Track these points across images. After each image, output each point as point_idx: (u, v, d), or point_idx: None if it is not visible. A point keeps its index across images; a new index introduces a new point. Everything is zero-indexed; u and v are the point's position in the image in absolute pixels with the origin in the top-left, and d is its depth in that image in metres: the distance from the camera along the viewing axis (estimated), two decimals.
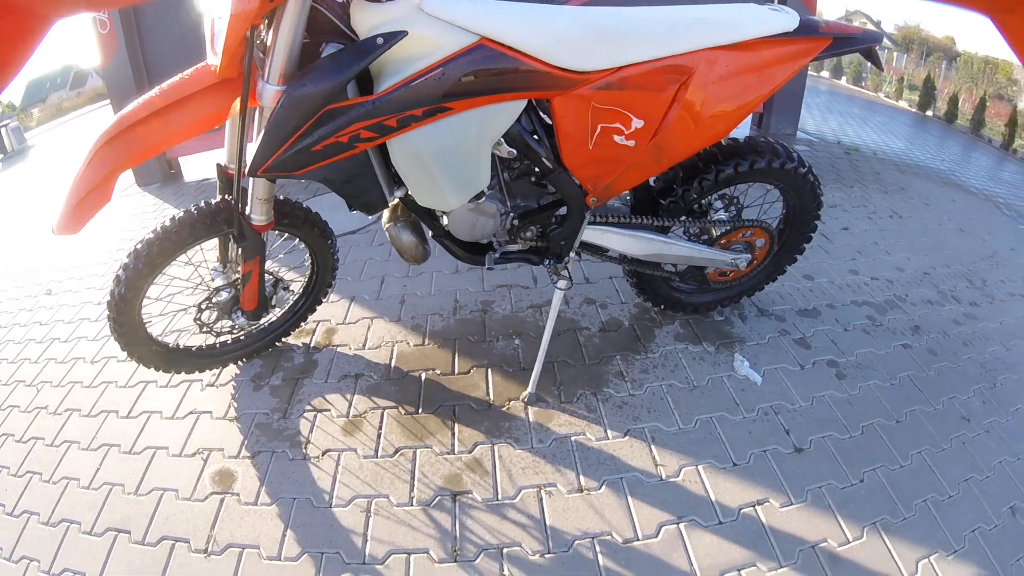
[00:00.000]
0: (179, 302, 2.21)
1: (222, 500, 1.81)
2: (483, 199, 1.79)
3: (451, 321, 2.53)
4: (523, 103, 1.60)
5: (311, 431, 2.02)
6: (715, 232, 2.17)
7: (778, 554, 1.65)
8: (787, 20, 1.73)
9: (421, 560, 1.61)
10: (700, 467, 1.88)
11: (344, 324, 2.55)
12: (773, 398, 2.14)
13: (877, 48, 1.90)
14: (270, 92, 1.48)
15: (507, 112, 1.59)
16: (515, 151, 1.71)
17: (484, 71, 1.48)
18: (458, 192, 1.70)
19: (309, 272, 2.32)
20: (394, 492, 1.79)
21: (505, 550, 1.63)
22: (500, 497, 1.77)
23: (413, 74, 1.44)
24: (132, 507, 1.82)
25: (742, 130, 5.01)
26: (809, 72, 6.95)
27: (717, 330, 2.48)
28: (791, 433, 2.01)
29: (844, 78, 14.33)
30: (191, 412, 2.15)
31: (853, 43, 1.81)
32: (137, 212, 4.40)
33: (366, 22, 1.44)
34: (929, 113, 12.04)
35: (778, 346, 2.41)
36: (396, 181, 1.74)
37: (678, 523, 1.71)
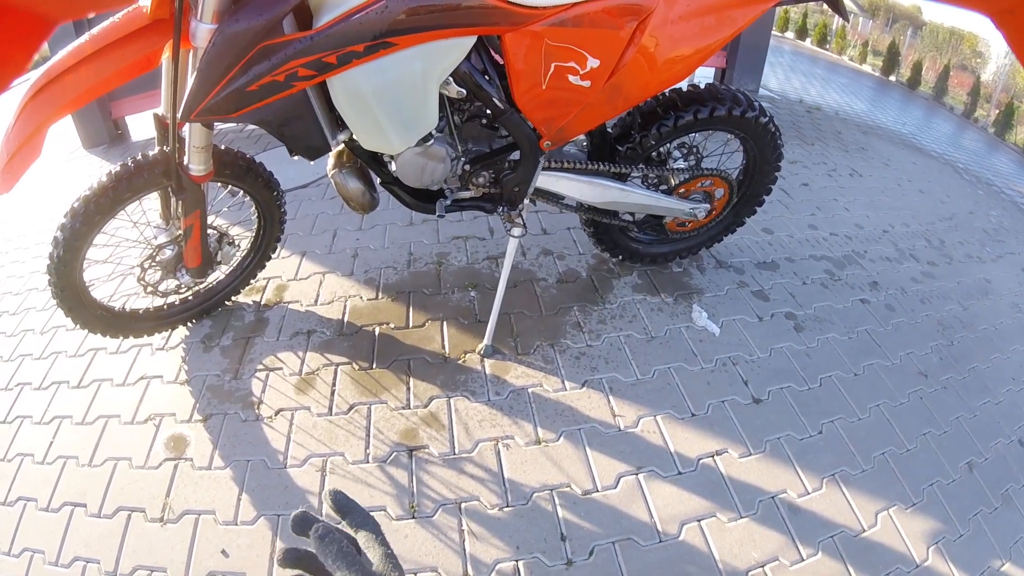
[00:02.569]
0: (124, 263, 2.09)
1: (176, 466, 1.76)
2: (431, 142, 1.71)
3: (405, 274, 2.46)
4: (472, 39, 1.52)
5: (263, 391, 1.96)
6: (673, 181, 2.13)
7: (738, 504, 1.66)
8: None
9: (378, 518, 1.56)
10: (658, 417, 1.88)
11: (295, 280, 2.46)
12: (731, 349, 2.15)
13: None
14: (203, 31, 1.38)
15: (455, 49, 1.51)
16: (464, 91, 1.64)
17: (431, 4, 1.39)
18: (404, 133, 1.62)
19: (256, 226, 2.22)
20: (349, 450, 1.75)
21: (463, 504, 1.62)
22: (457, 451, 1.75)
23: (354, 8, 1.36)
24: (87, 479, 1.76)
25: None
26: (773, 32, 6.88)
27: (675, 281, 2.47)
28: (749, 384, 2.03)
29: (808, 39, 14.31)
30: (142, 377, 2.07)
31: None
32: (83, 176, 4.16)
33: None
34: (892, 78, 12.12)
35: (736, 298, 2.41)
36: (339, 124, 1.65)
37: (637, 474, 1.71)
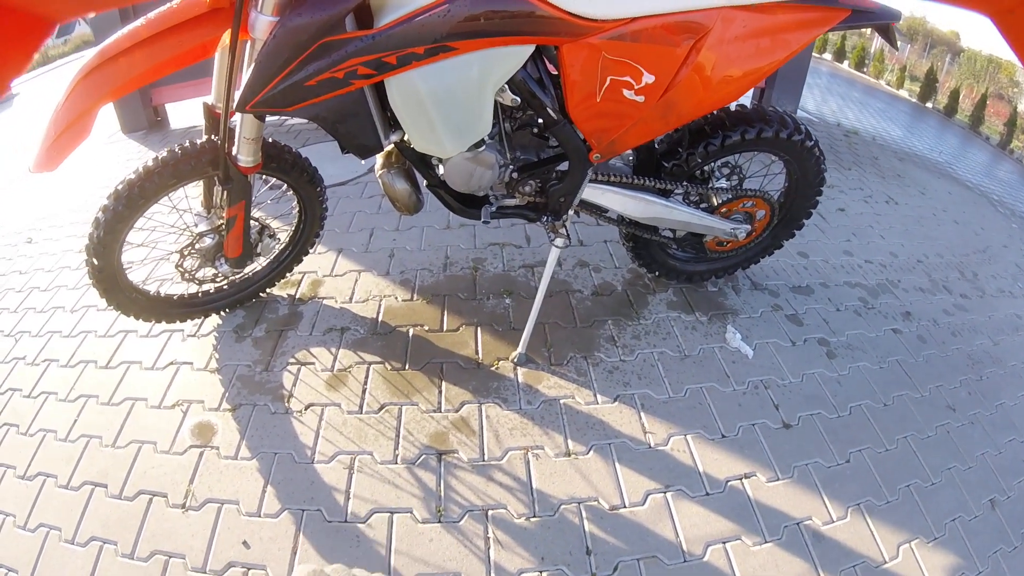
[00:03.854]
0: (161, 248, 2.12)
1: (201, 454, 1.77)
2: (482, 148, 1.71)
3: (441, 277, 2.47)
4: (530, 48, 1.52)
5: (294, 384, 1.97)
6: (716, 200, 2.12)
7: (763, 529, 1.64)
8: None
9: (404, 520, 1.58)
10: (689, 437, 1.86)
11: (331, 276, 2.48)
12: (764, 372, 2.13)
13: (894, 26, 1.84)
14: (263, 23, 1.40)
15: (513, 56, 1.51)
16: (519, 99, 1.64)
17: (492, 11, 1.39)
18: (457, 138, 1.62)
19: (296, 220, 2.24)
20: (378, 449, 1.76)
21: (490, 512, 1.61)
22: (486, 458, 1.75)
23: (417, 9, 1.36)
24: (109, 460, 1.77)
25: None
26: (812, 54, 6.83)
27: (710, 300, 2.45)
28: (780, 408, 2.00)
29: (846, 62, 14.20)
30: (171, 363, 2.08)
31: (871, 17, 1.75)
32: (121, 160, 4.23)
33: None
34: (929, 105, 11.99)
35: (770, 321, 2.39)
36: (392, 124, 1.66)
37: (665, 492, 1.70)
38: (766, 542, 1.61)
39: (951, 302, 2.93)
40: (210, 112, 1.80)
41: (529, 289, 2.41)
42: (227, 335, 2.18)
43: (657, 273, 2.41)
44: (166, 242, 2.15)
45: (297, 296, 2.36)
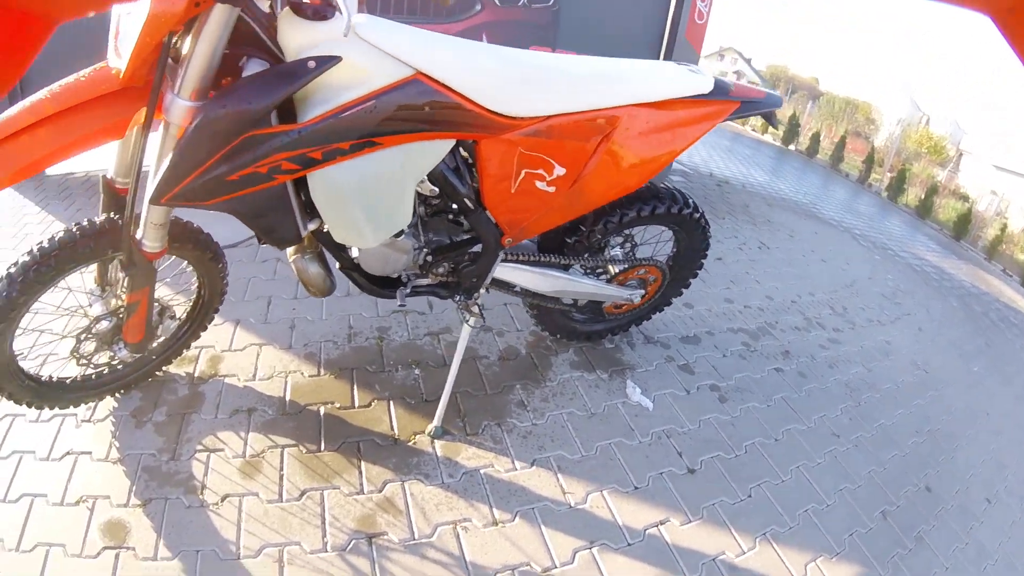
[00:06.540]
0: (52, 331, 1.97)
1: (117, 555, 1.63)
2: (401, 236, 1.76)
3: (346, 349, 2.44)
4: (452, 142, 1.59)
5: (205, 474, 1.87)
6: (614, 270, 2.29)
7: (683, 568, 1.79)
8: (703, 82, 1.87)
9: None
10: (605, 492, 1.98)
11: (230, 351, 2.37)
12: (664, 422, 2.30)
13: (775, 111, 2.08)
14: (180, 107, 1.33)
15: (435, 150, 1.57)
16: (437, 189, 1.70)
17: (417, 107, 1.44)
18: (379, 230, 1.65)
19: (195, 296, 2.15)
20: (306, 538, 1.71)
21: None
22: (417, 536, 1.75)
23: (343, 104, 1.37)
24: (17, 566, 1.60)
25: None
26: None
27: (609, 357, 2.61)
28: (683, 455, 2.17)
29: None
30: (68, 452, 1.91)
31: (758, 106, 1.98)
32: None
33: (294, 40, 1.35)
34: (792, 147, 13.16)
35: (665, 372, 2.58)
36: (310, 212, 1.65)
37: (591, 548, 1.79)
38: None
39: (826, 337, 3.29)
40: (109, 187, 1.71)
41: (436, 358, 2.44)
42: (125, 420, 2.03)
43: (559, 335, 2.54)
44: (57, 324, 2.00)
45: (196, 375, 2.24)
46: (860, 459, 2.42)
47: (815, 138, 12.98)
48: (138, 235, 1.66)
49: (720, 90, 1.90)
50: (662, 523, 1.91)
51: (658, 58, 4.77)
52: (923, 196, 10.85)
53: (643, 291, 2.35)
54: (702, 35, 4.93)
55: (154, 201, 1.42)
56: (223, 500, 1.80)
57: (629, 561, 1.77)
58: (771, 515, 2.03)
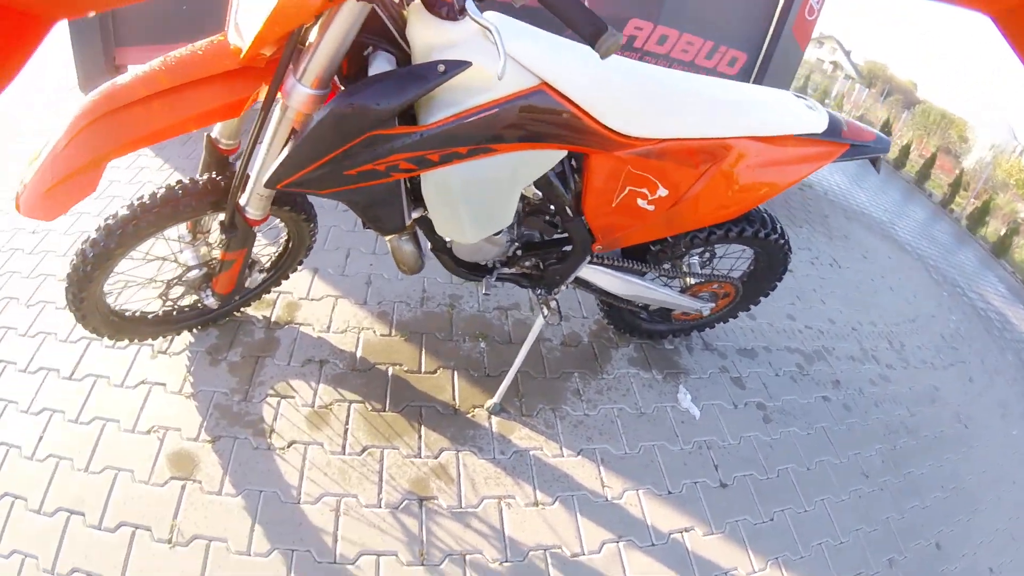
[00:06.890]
0: (145, 277, 2.06)
1: (183, 487, 1.76)
2: (498, 232, 1.81)
3: (418, 312, 2.54)
4: (563, 153, 1.60)
5: (275, 419, 1.99)
6: (690, 281, 2.33)
7: None
8: (818, 120, 1.85)
9: (390, 562, 1.70)
10: (640, 492, 2.07)
11: (307, 300, 2.49)
12: (707, 433, 2.37)
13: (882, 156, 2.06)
14: (302, 94, 1.34)
15: (547, 159, 1.59)
16: (540, 193, 1.75)
17: (538, 118, 1.45)
18: (480, 228, 1.71)
19: (283, 248, 2.24)
20: (363, 493, 1.85)
21: (468, 556, 1.76)
22: (464, 505, 1.89)
23: (467, 109, 1.38)
24: (84, 486, 1.72)
25: None
26: None
27: (666, 359, 2.67)
28: (719, 468, 2.25)
29: None
30: (142, 382, 2.02)
31: (866, 151, 1.95)
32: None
33: (423, 37, 1.34)
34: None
35: (717, 382, 2.63)
36: (414, 202, 1.71)
37: (618, 542, 1.91)
38: None
39: (877, 372, 3.27)
40: (212, 146, 1.76)
41: (503, 333, 2.54)
42: (200, 356, 2.14)
43: (622, 330, 2.61)
44: (147, 269, 2.10)
45: (273, 319, 2.36)
46: (882, 503, 2.45)
47: (905, 150, 12.06)
48: (242, 201, 1.70)
49: (833, 130, 1.87)
50: (686, 530, 2.01)
51: (759, 50, 4.62)
52: (1003, 232, 10.07)
53: (713, 303, 2.39)
54: (810, 32, 4.75)
55: (270, 185, 1.47)
56: (289, 446, 1.94)
57: (650, 561, 1.89)
58: (787, 541, 2.11)
